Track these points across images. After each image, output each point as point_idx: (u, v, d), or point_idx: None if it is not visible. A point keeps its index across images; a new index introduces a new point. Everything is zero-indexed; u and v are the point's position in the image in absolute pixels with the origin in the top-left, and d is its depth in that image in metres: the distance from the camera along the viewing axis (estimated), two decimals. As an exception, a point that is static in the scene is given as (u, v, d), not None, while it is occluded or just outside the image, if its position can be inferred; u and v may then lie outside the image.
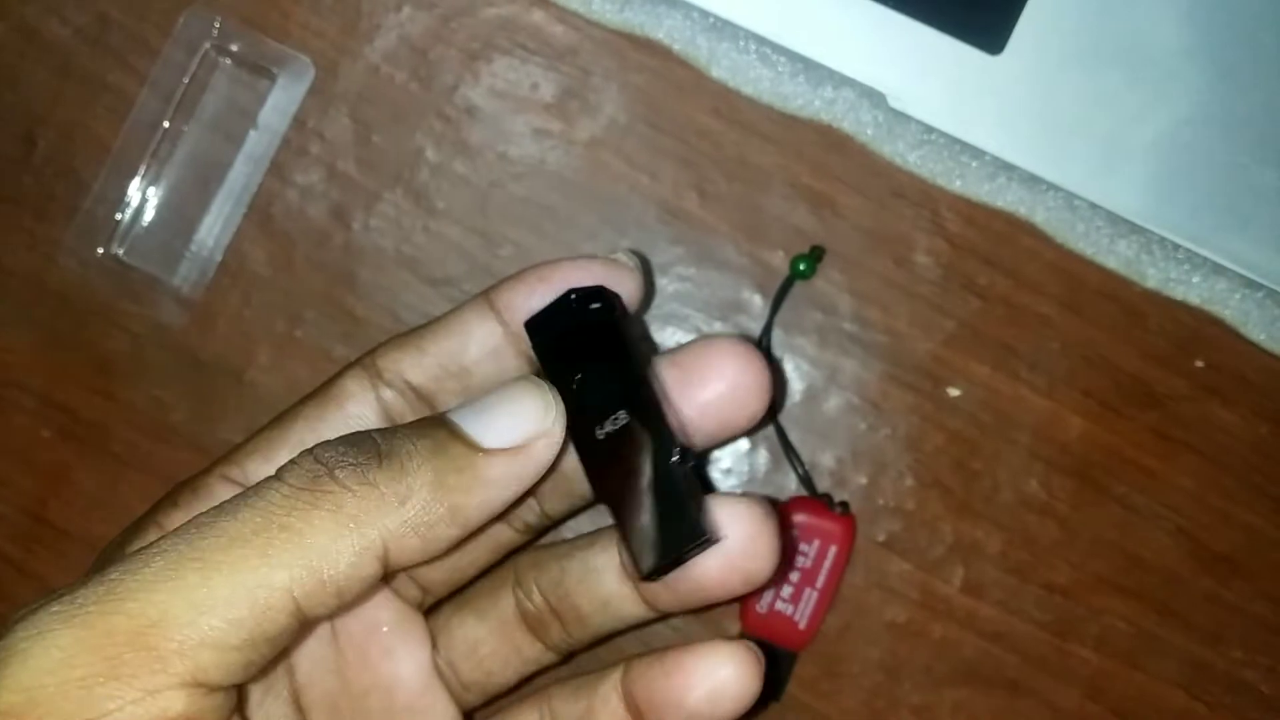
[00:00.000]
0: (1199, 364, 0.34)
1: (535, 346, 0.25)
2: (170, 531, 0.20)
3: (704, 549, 0.23)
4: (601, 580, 0.25)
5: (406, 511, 0.20)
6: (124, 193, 0.34)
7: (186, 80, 0.34)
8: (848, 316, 0.34)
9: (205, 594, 0.19)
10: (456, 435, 0.21)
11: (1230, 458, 0.34)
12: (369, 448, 0.20)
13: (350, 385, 0.25)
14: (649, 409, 0.24)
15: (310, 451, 0.20)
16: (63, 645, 0.18)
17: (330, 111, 0.35)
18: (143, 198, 0.35)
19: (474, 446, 0.21)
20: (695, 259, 0.35)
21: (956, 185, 0.34)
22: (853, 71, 0.34)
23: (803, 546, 0.33)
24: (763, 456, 0.35)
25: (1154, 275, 0.34)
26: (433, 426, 0.21)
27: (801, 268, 0.34)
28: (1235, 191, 0.34)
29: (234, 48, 0.34)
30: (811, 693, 0.34)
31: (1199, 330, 0.34)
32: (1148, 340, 0.34)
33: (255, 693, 0.25)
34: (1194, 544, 0.34)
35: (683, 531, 0.23)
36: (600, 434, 0.24)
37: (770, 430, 0.34)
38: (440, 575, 0.26)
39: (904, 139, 0.34)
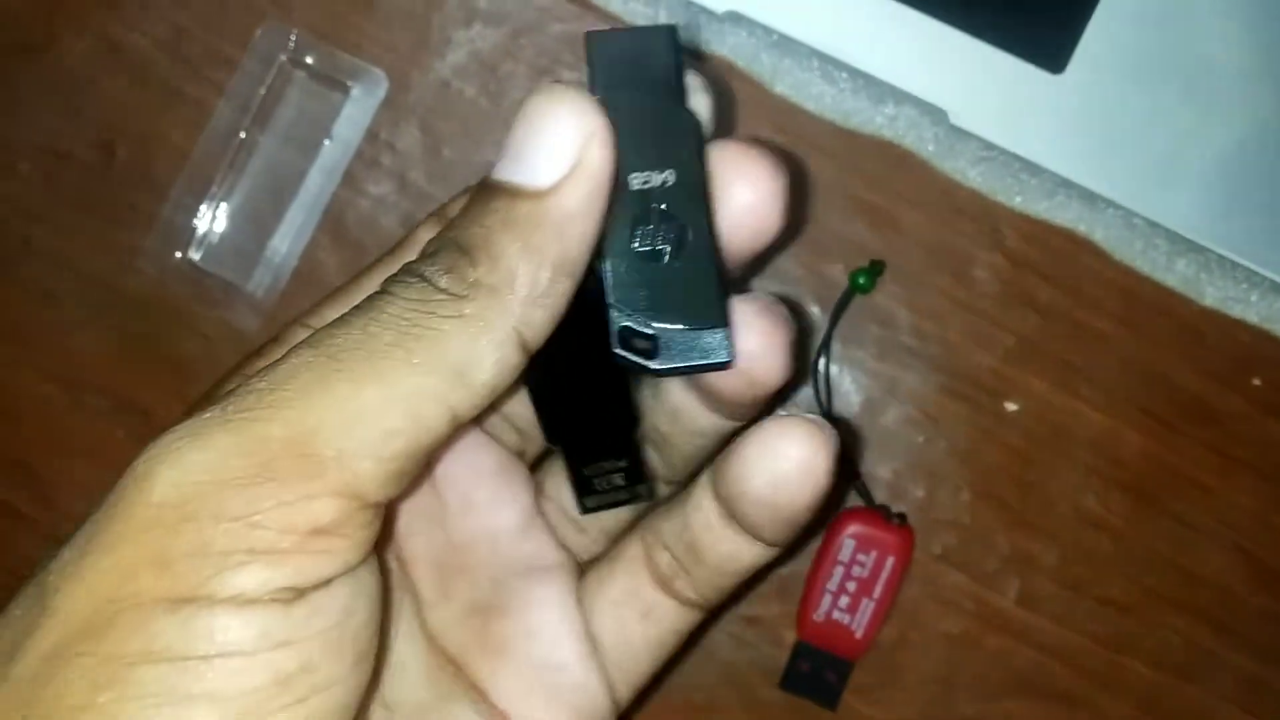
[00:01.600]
0: (1257, 382, 0.35)
1: (595, 57, 0.22)
2: (296, 348, 0.19)
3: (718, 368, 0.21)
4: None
5: (520, 291, 0.19)
6: (200, 201, 0.35)
7: (262, 92, 0.35)
8: (906, 330, 0.35)
9: (359, 404, 0.18)
10: (515, 192, 0.20)
11: (1288, 476, 0.34)
12: (451, 249, 0.20)
13: (422, 234, 0.24)
14: (700, 181, 0.21)
15: (404, 269, 0.20)
16: (219, 447, 0.18)
17: (402, 124, 0.35)
18: (219, 206, 0.35)
19: (536, 194, 0.19)
20: (755, 272, 0.35)
21: (1016, 202, 0.35)
22: (914, 88, 0.34)
23: (860, 557, 0.33)
24: (820, 467, 0.35)
25: (1212, 293, 0.35)
26: (489, 196, 0.20)
27: (861, 281, 0.35)
28: (1295, 211, 0.34)
29: (309, 60, 0.35)
30: (867, 702, 0.35)
31: (1257, 348, 0.35)
32: (1206, 358, 0.35)
33: None
34: (1251, 561, 0.34)
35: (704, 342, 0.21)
36: (635, 185, 0.21)
37: (828, 441, 0.35)
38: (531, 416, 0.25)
39: (964, 155, 0.35)
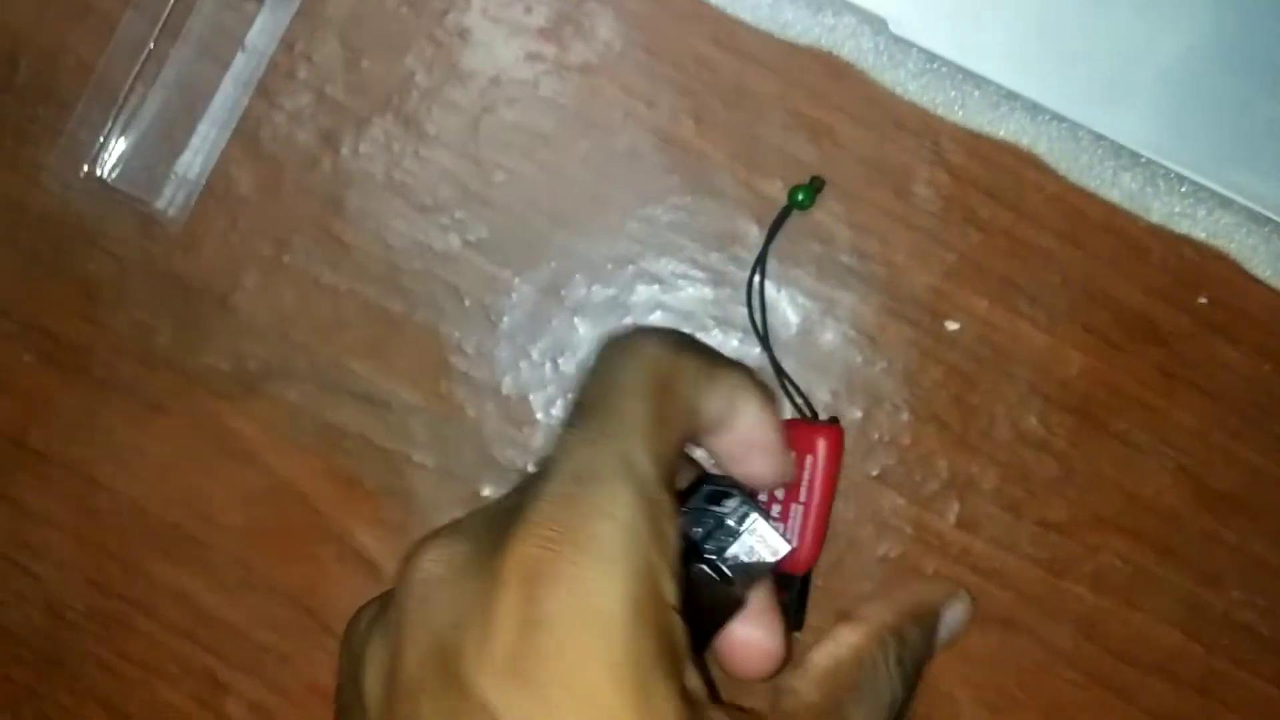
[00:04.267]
0: (1203, 300, 0.34)
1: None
2: None
3: None
4: None
5: None
6: (107, 115, 0.34)
7: (172, 1, 0.33)
8: (846, 248, 0.34)
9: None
10: None
11: (1234, 395, 0.34)
12: None
13: None
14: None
15: None
16: (590, 456, 0.23)
17: (319, 34, 0.34)
18: (127, 120, 0.34)
19: None
20: (691, 188, 0.34)
21: (959, 115, 0.34)
22: (854, -4, 0.33)
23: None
24: (757, 390, 0.34)
25: (1158, 209, 0.34)
26: None
27: (800, 198, 0.33)
28: (1244, 124, 0.33)
29: (220, -34, 0.33)
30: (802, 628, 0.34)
31: (1203, 266, 0.34)
32: (1151, 275, 0.34)
33: None
34: (1195, 482, 0.34)
35: None
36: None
37: (765, 362, 0.34)
38: None
39: (905, 67, 0.34)
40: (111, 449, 0.34)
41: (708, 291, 0.34)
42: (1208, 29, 0.33)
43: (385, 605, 0.25)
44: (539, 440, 0.34)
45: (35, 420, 0.34)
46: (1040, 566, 0.34)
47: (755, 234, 0.34)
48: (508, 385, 0.34)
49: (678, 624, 0.23)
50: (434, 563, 0.24)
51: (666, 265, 0.34)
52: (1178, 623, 0.34)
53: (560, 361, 0.34)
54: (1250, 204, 0.33)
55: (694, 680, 0.23)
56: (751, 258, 0.34)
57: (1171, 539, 0.34)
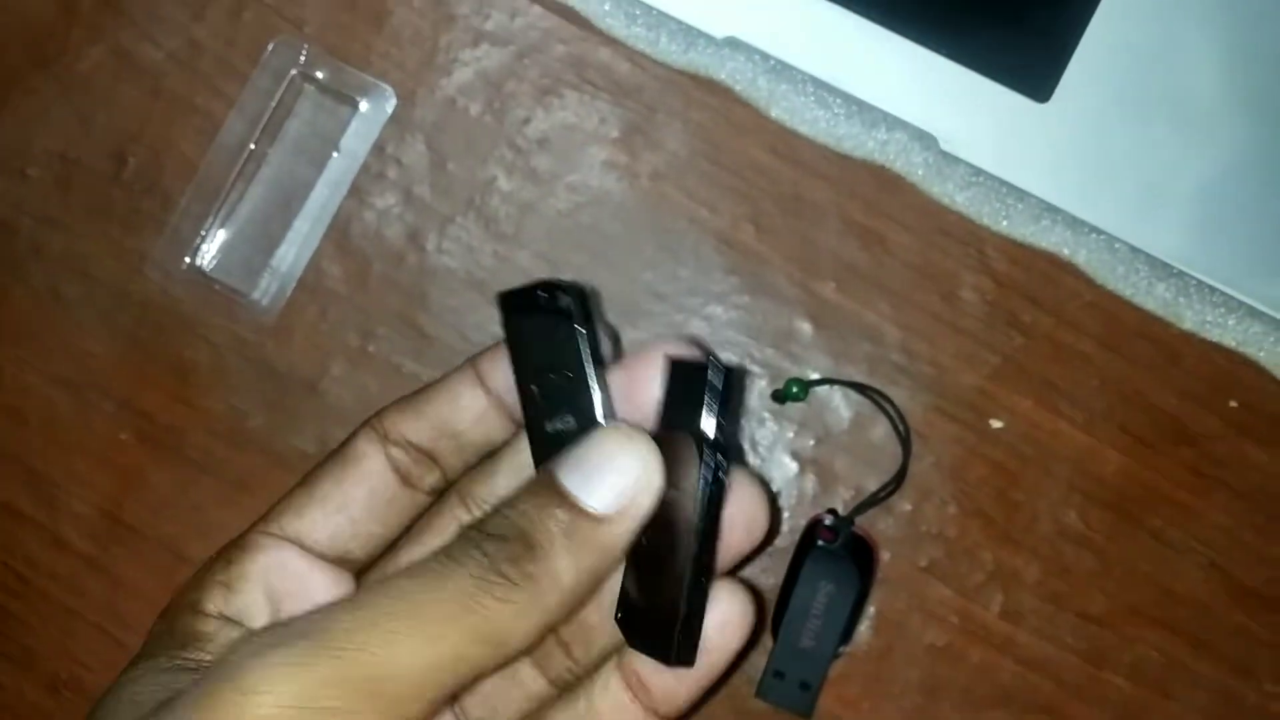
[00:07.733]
0: (1233, 404, 0.36)
1: (506, 324, 0.27)
2: (376, 592, 0.23)
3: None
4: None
5: (561, 595, 0.24)
6: (209, 210, 0.36)
7: (273, 105, 0.36)
8: (895, 348, 0.36)
9: (423, 661, 0.22)
10: (577, 510, 0.24)
11: (1263, 495, 0.35)
12: (516, 537, 0.24)
13: (363, 446, 0.28)
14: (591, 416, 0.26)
15: (468, 539, 0.24)
16: (312, 679, 0.21)
17: (408, 139, 0.36)
18: (227, 215, 0.36)
19: (594, 517, 0.24)
20: (749, 288, 0.36)
21: (1003, 225, 0.36)
22: (906, 114, 0.36)
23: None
24: (810, 481, 0.36)
25: (1191, 317, 0.36)
26: (552, 499, 0.24)
27: (794, 390, 0.35)
28: (1273, 238, 0.35)
29: (319, 75, 0.36)
30: (852, 711, 0.35)
31: (1233, 372, 0.36)
32: (1184, 380, 0.36)
33: None
34: (1226, 578, 0.35)
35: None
36: (549, 429, 0.26)
37: (816, 454, 0.36)
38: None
39: (953, 180, 0.36)
40: (200, 525, 0.36)
41: (763, 385, 0.36)
42: (1239, 148, 0.35)
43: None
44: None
45: (130, 495, 0.36)
46: (1080, 656, 0.35)
47: (808, 332, 0.36)
48: (574, 471, 0.36)
49: None
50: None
51: (727, 360, 0.36)
52: (1212, 713, 0.35)
53: (625, 450, 0.36)
54: (1278, 314, 0.35)
55: None
56: (804, 354, 0.36)
57: (1205, 632, 0.35)
